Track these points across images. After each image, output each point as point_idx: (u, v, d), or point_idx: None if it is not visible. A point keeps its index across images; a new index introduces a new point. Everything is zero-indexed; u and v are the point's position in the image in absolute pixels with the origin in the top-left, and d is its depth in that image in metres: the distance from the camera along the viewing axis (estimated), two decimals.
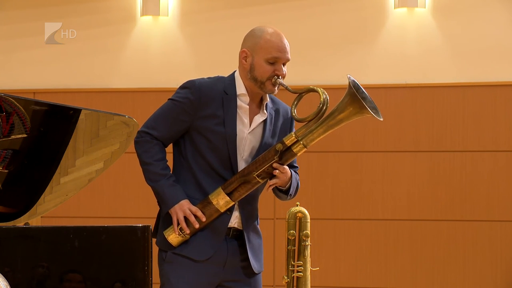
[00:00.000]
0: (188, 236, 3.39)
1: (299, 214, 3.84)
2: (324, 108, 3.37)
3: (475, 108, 7.00)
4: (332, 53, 7.17)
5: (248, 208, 3.47)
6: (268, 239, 7.13)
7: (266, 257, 7.10)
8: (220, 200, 3.37)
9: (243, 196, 3.40)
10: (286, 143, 3.37)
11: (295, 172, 3.55)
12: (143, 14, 7.31)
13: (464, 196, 6.98)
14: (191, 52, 7.30)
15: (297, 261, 3.77)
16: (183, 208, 3.37)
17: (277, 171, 3.38)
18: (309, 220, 3.83)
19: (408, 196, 7.03)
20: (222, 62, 7.00)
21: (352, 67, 7.13)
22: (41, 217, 4.91)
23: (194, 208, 3.37)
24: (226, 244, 3.43)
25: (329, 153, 7.10)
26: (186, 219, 3.37)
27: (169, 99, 3.45)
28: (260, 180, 3.37)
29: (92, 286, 4.39)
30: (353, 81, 3.35)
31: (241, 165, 3.42)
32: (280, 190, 3.51)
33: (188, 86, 3.42)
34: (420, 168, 7.03)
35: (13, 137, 4.30)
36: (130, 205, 7.21)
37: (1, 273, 3.62)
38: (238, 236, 3.45)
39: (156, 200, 3.48)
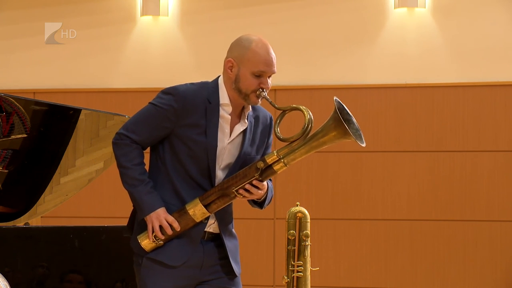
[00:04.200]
0: (162, 243, 3.37)
1: (299, 214, 3.84)
2: (309, 128, 3.34)
3: (475, 108, 7.00)
4: (332, 53, 7.17)
5: (224, 215, 3.45)
6: (268, 239, 7.13)
7: (266, 257, 7.12)
8: (197, 211, 3.33)
9: (220, 208, 3.37)
10: (268, 161, 3.33)
11: (270, 182, 3.53)
12: (143, 14, 7.31)
13: (464, 196, 6.98)
14: (191, 52, 7.29)
15: (297, 261, 3.77)
16: (160, 218, 3.34)
17: (254, 188, 3.35)
18: (309, 220, 3.83)
19: (408, 196, 7.02)
20: (222, 62, 6.99)
21: (352, 67, 7.13)
22: (41, 217, 4.91)
23: (170, 219, 3.33)
24: (202, 246, 3.40)
25: (329, 153, 7.10)
26: (161, 227, 3.34)
27: (150, 103, 3.39)
28: (238, 195, 3.34)
29: (92, 286, 4.39)
30: (339, 103, 3.29)
31: (218, 174, 3.39)
32: (255, 202, 3.49)
33: (173, 93, 3.36)
34: (420, 168, 7.02)
35: (13, 137, 4.29)
36: (130, 205, 7.19)
37: (1, 273, 3.62)
38: (213, 238, 3.43)
39: (132, 204, 3.45)
